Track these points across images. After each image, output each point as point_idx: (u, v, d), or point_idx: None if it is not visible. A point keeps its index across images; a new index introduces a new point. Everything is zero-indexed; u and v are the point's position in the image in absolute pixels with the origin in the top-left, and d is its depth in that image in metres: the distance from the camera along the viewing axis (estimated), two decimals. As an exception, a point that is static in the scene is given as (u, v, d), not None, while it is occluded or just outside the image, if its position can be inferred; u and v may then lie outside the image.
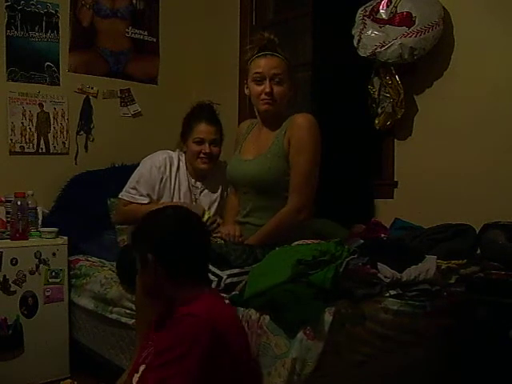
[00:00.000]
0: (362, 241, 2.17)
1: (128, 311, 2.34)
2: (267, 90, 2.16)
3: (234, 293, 1.89)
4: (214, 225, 2.40)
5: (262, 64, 2.19)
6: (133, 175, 2.57)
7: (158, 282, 1.60)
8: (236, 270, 1.96)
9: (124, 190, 2.56)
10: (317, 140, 2.17)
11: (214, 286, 1.93)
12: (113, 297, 2.45)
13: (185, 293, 1.58)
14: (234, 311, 1.71)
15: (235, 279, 1.94)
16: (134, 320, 2.25)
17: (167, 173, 2.55)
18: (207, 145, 2.48)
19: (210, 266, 1.95)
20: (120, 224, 2.80)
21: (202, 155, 2.49)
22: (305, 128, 2.16)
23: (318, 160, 2.18)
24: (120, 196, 2.56)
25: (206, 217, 2.39)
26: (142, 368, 1.59)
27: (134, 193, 2.52)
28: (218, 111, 2.61)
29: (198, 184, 2.60)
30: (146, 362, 1.57)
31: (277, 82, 2.18)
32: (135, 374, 1.62)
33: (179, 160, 2.60)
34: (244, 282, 1.88)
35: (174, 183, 2.57)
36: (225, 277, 1.95)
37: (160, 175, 2.53)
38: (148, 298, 1.78)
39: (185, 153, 2.59)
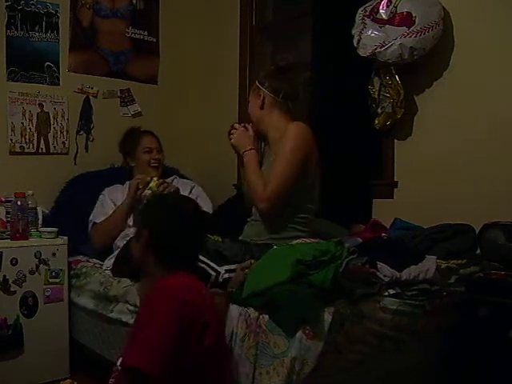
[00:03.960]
0: (359, 239, 2.17)
1: (131, 307, 2.35)
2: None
3: (231, 290, 1.90)
4: (161, 188, 2.71)
5: None
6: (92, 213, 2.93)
7: (145, 257, 1.71)
8: (234, 266, 1.99)
9: (90, 223, 2.91)
10: (299, 144, 2.22)
11: (212, 280, 1.97)
12: (116, 293, 2.45)
13: (161, 274, 1.66)
14: (207, 291, 1.75)
15: (233, 274, 1.97)
16: (134, 318, 2.27)
17: (116, 192, 2.96)
18: (155, 152, 2.92)
19: (208, 261, 2.01)
20: (103, 244, 2.86)
21: (152, 161, 2.90)
22: (291, 132, 2.24)
23: (295, 163, 2.20)
24: (90, 228, 2.89)
25: (152, 184, 2.69)
26: None
27: (101, 215, 2.87)
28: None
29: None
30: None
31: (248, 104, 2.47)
32: (120, 358, 1.68)
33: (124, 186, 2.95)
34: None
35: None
36: (223, 272, 1.98)
37: (111, 194, 2.95)
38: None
39: (132, 168, 2.97)
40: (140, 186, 2.75)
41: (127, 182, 2.96)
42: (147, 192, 2.72)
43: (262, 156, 2.44)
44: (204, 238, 1.84)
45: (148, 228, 1.71)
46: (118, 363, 1.67)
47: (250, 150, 2.33)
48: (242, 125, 2.41)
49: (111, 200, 2.93)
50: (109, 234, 2.82)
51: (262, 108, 2.35)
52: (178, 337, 1.48)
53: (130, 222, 2.82)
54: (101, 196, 2.99)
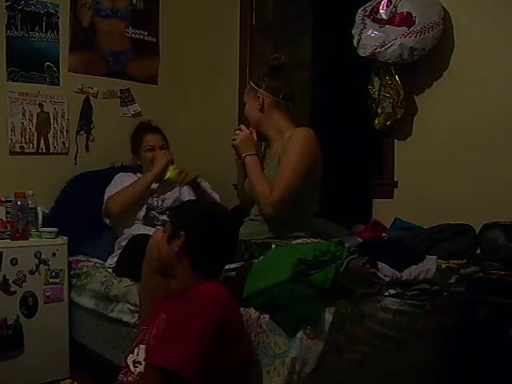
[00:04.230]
0: (359, 239, 2.17)
1: (132, 307, 2.35)
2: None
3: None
4: (181, 177, 2.65)
5: None
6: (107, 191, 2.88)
7: (175, 259, 1.68)
8: (233, 265, 1.99)
9: (106, 199, 2.83)
10: (307, 149, 2.21)
11: None
12: (117, 293, 2.46)
13: (193, 278, 1.66)
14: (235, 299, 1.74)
15: (233, 273, 1.97)
16: (135, 318, 2.29)
17: (131, 177, 2.90)
18: (158, 150, 2.84)
19: None
20: (119, 213, 2.79)
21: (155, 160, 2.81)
22: (299, 137, 2.23)
23: (302, 169, 2.19)
24: (105, 202, 2.82)
25: (170, 173, 2.61)
26: (142, 347, 1.66)
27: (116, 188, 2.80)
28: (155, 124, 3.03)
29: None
30: (150, 338, 1.64)
31: (244, 106, 2.44)
32: (130, 355, 1.69)
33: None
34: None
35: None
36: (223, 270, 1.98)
37: (126, 176, 2.91)
38: (158, 274, 1.82)
39: (139, 166, 2.93)
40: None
41: (138, 174, 2.95)
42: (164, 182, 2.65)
43: (263, 157, 2.44)
44: (235, 245, 1.85)
45: (186, 231, 1.67)
46: (129, 360, 1.67)
47: (254, 154, 2.31)
48: (250, 129, 2.38)
49: (127, 181, 2.88)
50: (126, 201, 2.74)
51: (261, 110, 2.33)
52: (215, 344, 1.49)
53: (140, 215, 2.81)
54: (116, 177, 2.95)
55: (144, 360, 1.63)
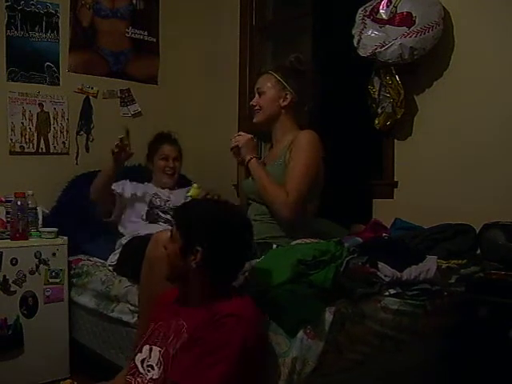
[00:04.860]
0: (358, 239, 2.17)
1: (132, 307, 2.35)
2: (251, 103, 2.40)
3: None
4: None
5: (257, 81, 2.44)
6: None
7: (190, 271, 1.62)
8: None
9: None
10: (314, 151, 2.22)
11: None
12: (117, 293, 2.46)
13: (213, 288, 1.63)
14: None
15: None
16: (135, 318, 2.29)
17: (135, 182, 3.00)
18: (171, 161, 2.98)
19: None
20: (95, 200, 2.85)
21: (167, 169, 2.97)
22: (305, 139, 2.23)
23: (312, 169, 2.20)
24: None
25: (192, 191, 2.40)
26: (155, 349, 1.63)
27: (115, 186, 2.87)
28: (175, 136, 3.07)
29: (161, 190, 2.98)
30: (166, 344, 1.60)
31: (258, 94, 2.37)
32: (139, 354, 1.66)
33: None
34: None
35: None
36: None
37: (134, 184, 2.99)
38: (169, 281, 1.77)
39: (151, 173, 3.02)
40: (115, 150, 2.66)
41: (146, 183, 3.02)
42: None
43: (264, 159, 2.43)
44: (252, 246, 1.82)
45: (204, 246, 1.59)
46: (137, 359, 1.65)
47: (258, 157, 2.31)
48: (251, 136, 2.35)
49: (128, 187, 2.96)
50: (94, 188, 2.82)
51: (284, 108, 2.32)
52: (248, 362, 1.52)
53: (143, 211, 2.83)
54: (123, 181, 3.01)
55: (157, 365, 1.59)
